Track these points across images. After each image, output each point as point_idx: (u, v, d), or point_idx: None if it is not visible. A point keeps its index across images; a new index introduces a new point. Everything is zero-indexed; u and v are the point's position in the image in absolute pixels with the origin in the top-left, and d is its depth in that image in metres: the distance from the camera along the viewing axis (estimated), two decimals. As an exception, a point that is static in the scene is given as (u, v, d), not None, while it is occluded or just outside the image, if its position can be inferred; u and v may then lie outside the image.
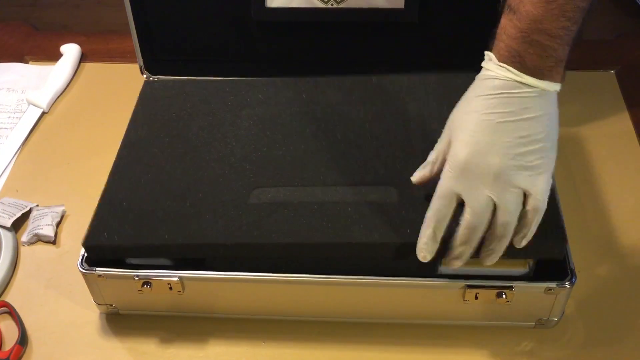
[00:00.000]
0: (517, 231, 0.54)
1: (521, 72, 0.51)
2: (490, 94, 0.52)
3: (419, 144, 0.67)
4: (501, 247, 0.55)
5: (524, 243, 0.55)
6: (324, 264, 0.60)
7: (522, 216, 0.54)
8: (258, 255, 0.61)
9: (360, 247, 0.59)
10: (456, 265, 0.56)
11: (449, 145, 0.55)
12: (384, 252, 0.59)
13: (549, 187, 0.53)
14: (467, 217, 0.53)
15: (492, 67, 0.53)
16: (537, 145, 0.52)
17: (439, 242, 0.55)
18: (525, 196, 0.53)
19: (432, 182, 0.56)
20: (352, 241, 0.59)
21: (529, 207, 0.53)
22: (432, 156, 0.57)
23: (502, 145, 0.52)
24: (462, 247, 0.55)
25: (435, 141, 0.66)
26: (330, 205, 0.62)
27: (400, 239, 0.59)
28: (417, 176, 0.59)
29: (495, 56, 0.53)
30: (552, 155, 0.53)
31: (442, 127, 0.68)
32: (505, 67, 0.52)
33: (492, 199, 0.52)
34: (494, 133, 0.52)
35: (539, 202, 0.53)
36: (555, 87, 0.52)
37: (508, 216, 0.53)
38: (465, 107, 0.54)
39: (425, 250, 0.55)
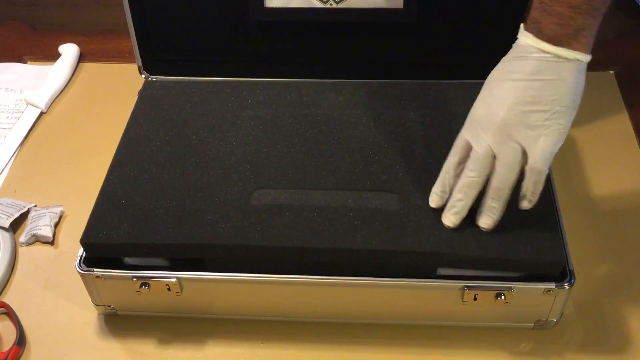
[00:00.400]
0: (520, 193, 0.57)
1: (539, 38, 0.54)
2: (512, 57, 0.56)
3: (420, 150, 0.67)
4: (499, 206, 0.58)
5: (525, 205, 0.58)
6: (323, 268, 0.60)
7: (523, 177, 0.56)
8: (258, 258, 0.60)
9: (361, 253, 0.59)
10: (453, 220, 0.59)
11: None
12: (384, 259, 0.59)
13: (551, 152, 0.55)
14: (468, 162, 0.57)
15: (519, 35, 0.56)
16: (544, 107, 0.54)
17: (448, 192, 0.60)
18: (525, 156, 0.56)
19: None
20: (353, 247, 0.59)
21: (527, 166, 0.56)
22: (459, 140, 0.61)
23: (509, 100, 0.55)
24: (459, 196, 0.58)
25: (436, 149, 0.67)
26: (331, 210, 0.62)
27: (402, 247, 0.59)
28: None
29: (523, 25, 0.56)
30: (562, 122, 0.55)
31: (443, 134, 0.69)
32: (527, 34, 0.55)
33: (493, 151, 0.56)
34: (506, 90, 0.55)
35: (536, 162, 0.55)
36: (575, 55, 0.54)
37: (504, 168, 0.56)
38: (492, 72, 0.58)
39: (437, 195, 0.61)
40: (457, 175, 0.59)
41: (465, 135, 0.58)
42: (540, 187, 0.57)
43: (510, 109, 0.55)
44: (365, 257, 0.59)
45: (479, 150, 0.56)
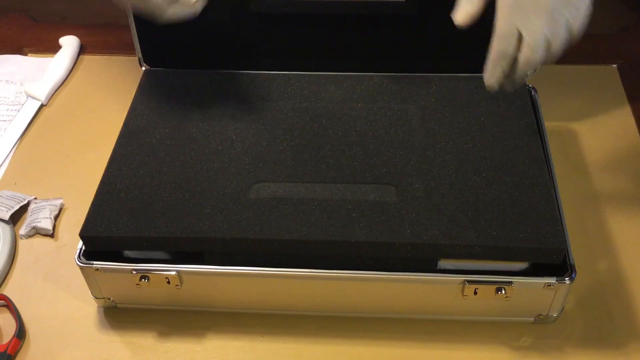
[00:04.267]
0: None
1: None
2: None
3: (420, 143, 0.67)
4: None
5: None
6: (322, 261, 0.60)
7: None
8: (257, 251, 0.60)
9: (359, 245, 0.59)
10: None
11: None
12: (382, 251, 0.59)
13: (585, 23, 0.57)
14: (526, 53, 0.57)
15: None
16: None
17: (502, 76, 0.59)
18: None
19: (474, 20, 0.59)
20: (352, 239, 0.59)
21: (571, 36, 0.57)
22: None
23: None
24: (518, 73, 0.58)
25: (436, 142, 0.67)
26: (330, 203, 0.61)
27: (401, 239, 0.58)
28: (462, 14, 0.60)
29: None
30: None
31: (443, 128, 0.68)
32: None
33: (546, 35, 0.56)
34: None
35: (575, 37, 0.57)
36: None
37: (557, 49, 0.57)
38: None
39: (496, 83, 0.60)
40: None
41: (515, 22, 0.56)
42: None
43: None
44: (363, 250, 0.59)
45: (534, 36, 0.56)
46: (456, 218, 0.60)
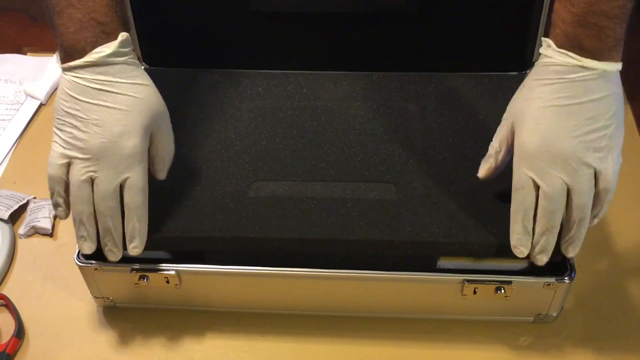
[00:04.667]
0: (590, 216, 0.54)
1: (581, 55, 0.52)
2: (552, 80, 0.53)
3: (419, 142, 0.67)
4: (581, 233, 0.54)
5: (595, 222, 0.55)
6: (322, 260, 0.60)
7: (594, 197, 0.54)
8: (256, 250, 0.60)
9: (359, 243, 0.59)
10: (544, 260, 0.55)
11: (511, 133, 0.55)
12: (382, 249, 0.59)
13: (618, 166, 0.53)
14: (543, 203, 0.53)
15: (552, 54, 0.53)
16: (603, 125, 0.52)
17: (531, 234, 0.55)
18: (595, 177, 0.53)
19: (496, 174, 0.58)
20: (351, 238, 0.59)
21: (600, 187, 0.53)
22: (495, 146, 0.57)
23: (569, 129, 0.52)
24: (544, 237, 0.54)
25: (435, 141, 0.67)
26: (329, 202, 0.61)
27: (400, 237, 0.58)
28: (483, 170, 0.58)
29: (553, 42, 0.53)
30: (620, 134, 0.54)
31: (442, 126, 0.68)
32: (564, 53, 0.52)
33: (566, 183, 0.52)
34: (560, 118, 0.52)
35: (609, 183, 0.53)
36: (617, 66, 0.53)
37: (583, 198, 0.53)
38: (528, 95, 0.54)
39: (521, 245, 0.55)
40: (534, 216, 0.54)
41: (528, 173, 0.53)
42: (610, 202, 0.54)
43: (572, 138, 0.52)
44: (363, 248, 0.59)
45: (553, 188, 0.52)
46: (456, 216, 0.59)
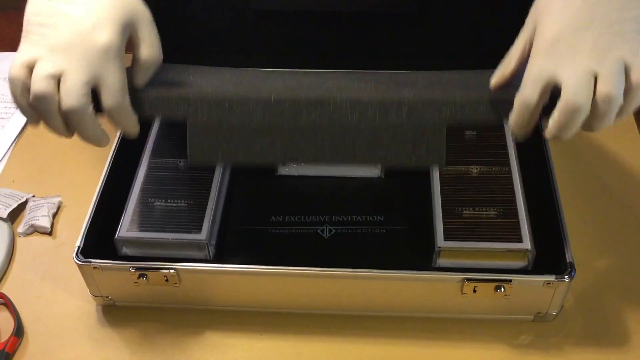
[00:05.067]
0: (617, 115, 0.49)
1: None
2: None
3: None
4: (602, 123, 0.48)
5: (623, 116, 0.49)
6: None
7: (624, 93, 0.48)
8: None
9: None
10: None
11: (534, 30, 0.51)
12: None
13: None
14: (566, 97, 0.47)
15: None
16: (634, 15, 0.48)
17: (531, 126, 0.51)
18: (626, 70, 0.48)
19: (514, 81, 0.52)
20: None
21: (632, 80, 0.47)
22: (517, 45, 0.53)
23: (596, 14, 0.48)
24: (563, 132, 0.49)
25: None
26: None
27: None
28: (496, 76, 0.54)
29: None
30: None
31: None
32: None
33: (593, 70, 0.47)
34: (586, 6, 0.48)
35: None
36: None
37: (612, 88, 0.47)
38: None
39: (518, 133, 0.52)
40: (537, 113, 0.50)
41: (547, 67, 0.48)
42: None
43: (600, 23, 0.47)
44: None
45: (577, 77, 0.47)
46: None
